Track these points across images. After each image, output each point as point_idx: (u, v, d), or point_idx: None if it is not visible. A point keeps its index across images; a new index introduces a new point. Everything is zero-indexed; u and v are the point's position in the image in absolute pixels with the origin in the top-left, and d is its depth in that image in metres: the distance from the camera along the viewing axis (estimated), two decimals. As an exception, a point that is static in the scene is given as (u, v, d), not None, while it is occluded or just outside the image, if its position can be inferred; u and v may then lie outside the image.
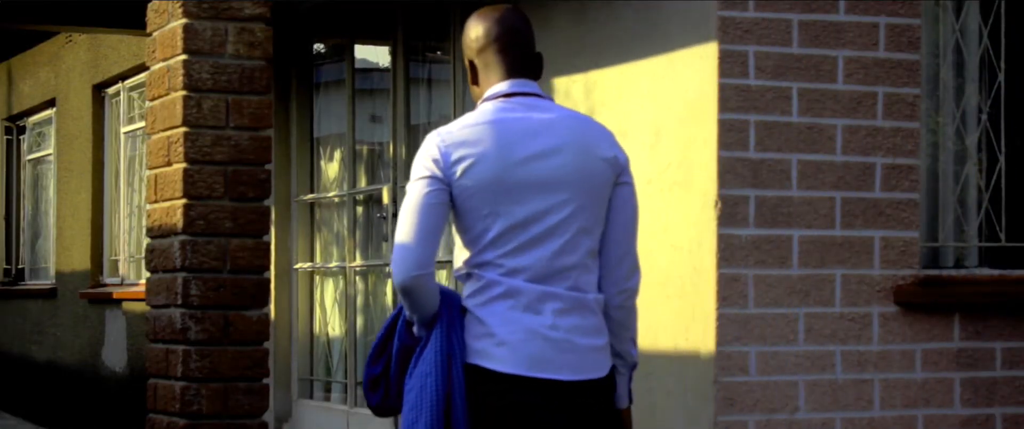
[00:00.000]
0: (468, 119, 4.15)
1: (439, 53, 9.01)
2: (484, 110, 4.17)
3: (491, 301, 4.08)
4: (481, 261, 4.11)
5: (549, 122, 4.14)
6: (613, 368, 4.20)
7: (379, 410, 4.33)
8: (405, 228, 4.05)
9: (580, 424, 4.09)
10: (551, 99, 4.21)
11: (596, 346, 4.12)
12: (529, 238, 4.09)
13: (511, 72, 4.20)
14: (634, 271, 4.24)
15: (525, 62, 4.22)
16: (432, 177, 4.06)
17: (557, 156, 4.11)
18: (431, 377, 4.07)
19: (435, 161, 4.07)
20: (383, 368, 4.29)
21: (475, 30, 4.25)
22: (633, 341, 4.28)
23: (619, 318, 4.23)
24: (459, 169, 4.07)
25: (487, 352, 4.06)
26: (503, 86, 4.19)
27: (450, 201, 4.08)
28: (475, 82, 4.27)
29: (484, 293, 4.09)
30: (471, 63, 4.26)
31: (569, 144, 4.11)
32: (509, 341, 4.05)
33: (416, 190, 4.07)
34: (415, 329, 4.17)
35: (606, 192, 4.14)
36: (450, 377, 4.07)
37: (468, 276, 4.14)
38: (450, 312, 4.14)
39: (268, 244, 6.36)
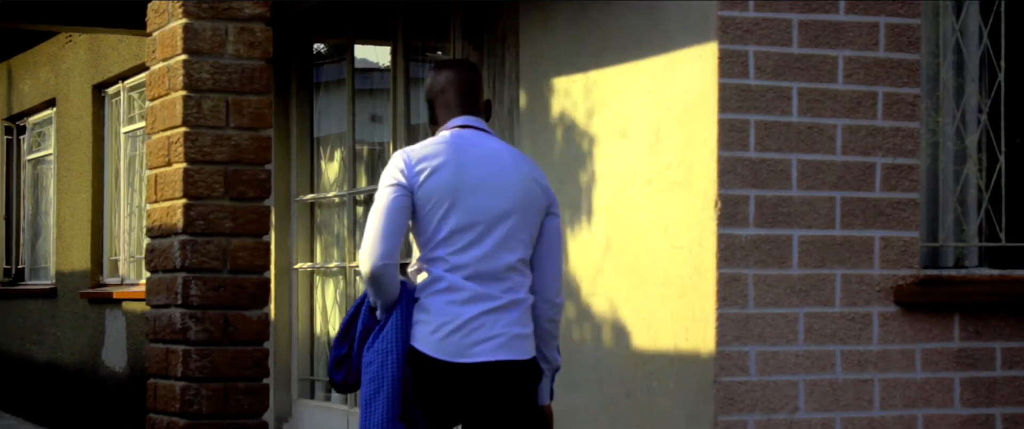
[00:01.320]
0: (429, 141, 4.95)
1: (439, 53, 9.02)
2: (443, 136, 4.96)
3: (435, 294, 4.81)
4: (431, 257, 4.85)
5: (498, 150, 4.94)
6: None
7: (342, 387, 5.01)
8: (374, 226, 4.79)
9: (506, 397, 4.82)
10: (497, 136, 5.05)
11: (522, 334, 4.84)
12: (472, 240, 4.83)
13: (465, 110, 5.01)
14: (561, 290, 4.98)
15: (476, 105, 5.04)
16: (398, 185, 4.82)
17: (503, 178, 4.88)
18: (392, 354, 4.78)
19: (401, 172, 4.84)
20: (347, 349, 4.96)
21: (437, 77, 5.07)
22: (558, 349, 5.02)
23: (548, 329, 4.96)
24: (421, 177, 4.83)
25: (426, 339, 4.78)
26: (459, 120, 4.99)
27: (412, 206, 4.83)
28: (433, 120, 5.08)
29: (431, 287, 4.83)
30: (431, 103, 5.07)
31: (513, 170, 4.91)
32: (445, 330, 4.78)
33: (384, 195, 4.81)
34: (378, 313, 4.87)
35: (539, 217, 4.92)
36: (407, 357, 4.80)
37: (420, 271, 4.88)
38: (408, 301, 4.84)
39: (268, 244, 6.36)
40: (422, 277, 4.86)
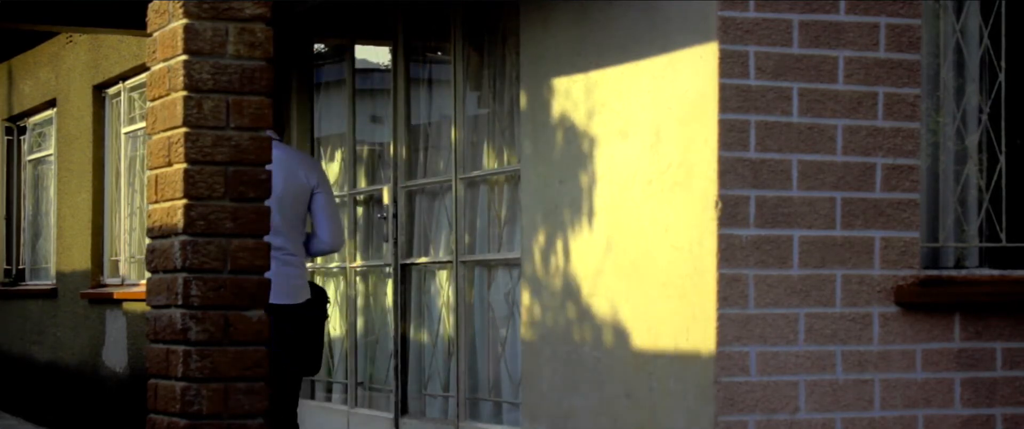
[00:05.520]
0: None
1: (439, 53, 9.02)
2: None
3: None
4: None
5: (279, 156, 6.98)
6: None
7: None
8: None
9: (299, 327, 7.28)
10: (283, 143, 7.39)
11: (303, 285, 7.32)
12: (273, 224, 6.62)
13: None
14: (329, 239, 7.41)
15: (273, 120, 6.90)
16: None
17: (279, 176, 6.92)
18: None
19: None
20: None
21: None
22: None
23: (315, 256, 7.66)
24: None
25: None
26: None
27: None
28: None
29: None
30: None
31: (285, 170, 7.12)
32: (275, 286, 6.47)
33: None
34: None
35: (307, 198, 7.31)
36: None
37: None
38: None
39: (269, 244, 6.35)
40: None
